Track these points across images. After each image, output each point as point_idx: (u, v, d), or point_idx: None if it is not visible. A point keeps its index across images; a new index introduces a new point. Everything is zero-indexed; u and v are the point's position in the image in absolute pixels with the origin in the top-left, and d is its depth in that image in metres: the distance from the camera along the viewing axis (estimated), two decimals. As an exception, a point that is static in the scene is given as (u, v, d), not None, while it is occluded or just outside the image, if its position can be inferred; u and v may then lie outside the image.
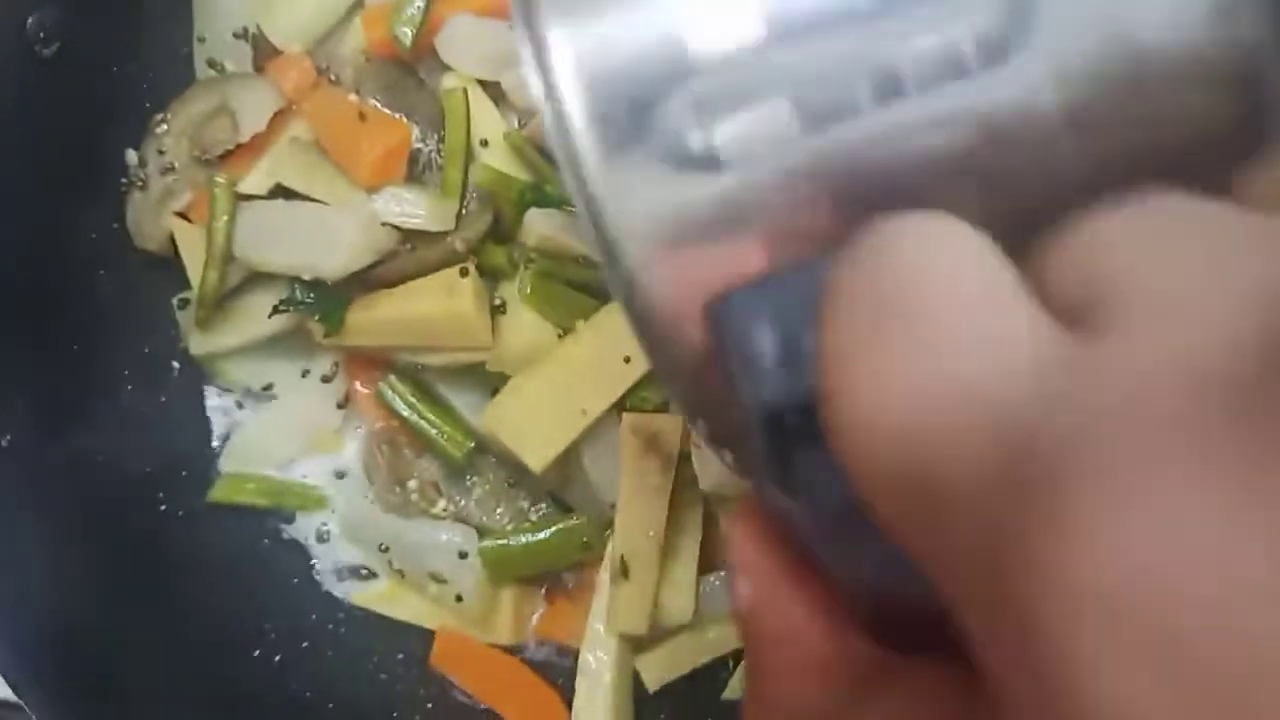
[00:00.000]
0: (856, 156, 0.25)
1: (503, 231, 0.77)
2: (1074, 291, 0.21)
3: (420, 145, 0.77)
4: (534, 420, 0.76)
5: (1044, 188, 0.26)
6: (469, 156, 0.76)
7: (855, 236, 0.23)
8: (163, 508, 0.79)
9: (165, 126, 0.79)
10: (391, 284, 0.76)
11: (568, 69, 0.26)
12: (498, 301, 0.78)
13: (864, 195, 0.25)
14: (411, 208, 0.75)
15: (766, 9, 0.26)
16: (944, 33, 0.25)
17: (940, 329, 0.21)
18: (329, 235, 0.74)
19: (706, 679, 0.81)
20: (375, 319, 0.76)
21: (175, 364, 0.82)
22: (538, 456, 0.76)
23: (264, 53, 0.79)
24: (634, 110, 0.26)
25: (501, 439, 0.76)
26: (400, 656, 0.81)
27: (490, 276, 0.78)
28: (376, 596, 0.82)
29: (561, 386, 0.75)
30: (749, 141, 0.26)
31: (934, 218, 0.23)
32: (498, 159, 0.77)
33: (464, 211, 0.76)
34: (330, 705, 0.77)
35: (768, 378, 0.23)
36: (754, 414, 0.24)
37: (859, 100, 0.25)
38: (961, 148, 0.25)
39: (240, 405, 0.83)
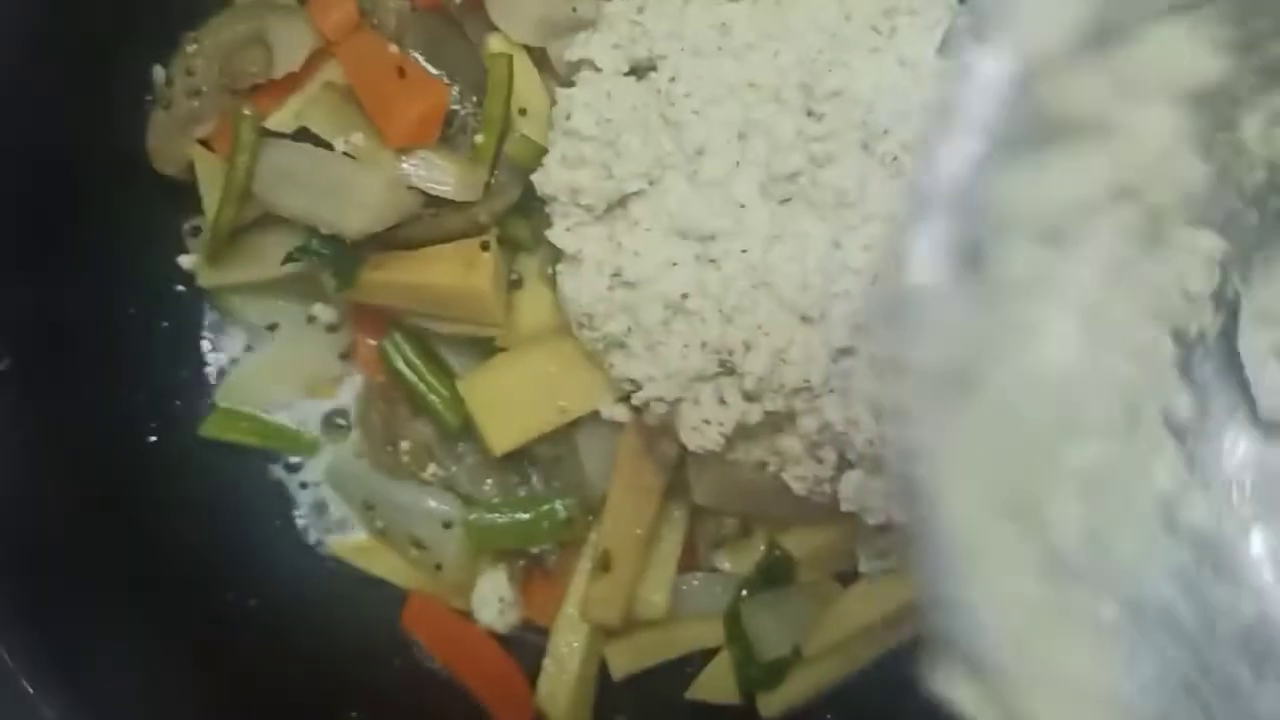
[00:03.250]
0: None
1: (530, 204, 0.75)
2: None
3: (457, 107, 0.74)
4: (508, 402, 0.75)
5: None
6: (506, 126, 0.73)
7: None
8: (152, 438, 0.78)
9: (196, 46, 0.76)
10: (409, 247, 0.74)
11: None
12: (515, 276, 0.76)
13: None
14: (440, 174, 0.72)
15: None
16: None
17: None
18: (352, 191, 0.71)
19: (671, 675, 0.81)
20: (389, 280, 0.74)
21: (180, 291, 0.80)
22: (500, 439, 0.75)
23: (307, -16, 0.76)
24: None
25: (471, 409, 0.75)
26: (372, 612, 0.81)
27: (511, 248, 0.76)
28: (354, 549, 0.82)
29: (548, 377, 0.74)
30: None
31: None
32: (535, 129, 0.74)
33: (493, 181, 0.74)
34: (298, 655, 0.77)
35: None
36: None
37: None
38: None
39: (242, 342, 0.82)
